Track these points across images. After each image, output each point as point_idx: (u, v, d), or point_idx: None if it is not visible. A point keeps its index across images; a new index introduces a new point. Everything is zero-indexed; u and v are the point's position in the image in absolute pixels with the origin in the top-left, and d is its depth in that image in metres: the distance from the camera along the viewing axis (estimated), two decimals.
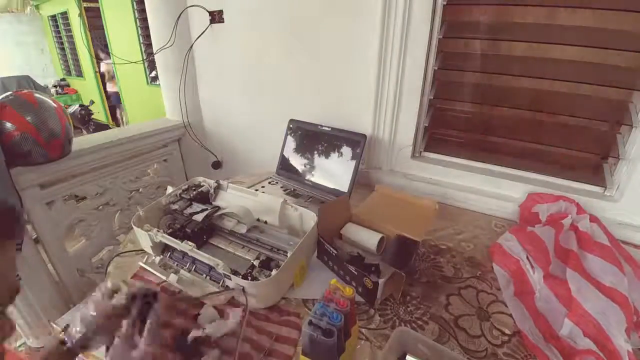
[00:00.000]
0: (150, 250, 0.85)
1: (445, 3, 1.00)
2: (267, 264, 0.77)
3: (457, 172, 1.16)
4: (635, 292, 0.73)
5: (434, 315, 0.69)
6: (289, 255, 0.72)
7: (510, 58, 1.02)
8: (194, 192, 0.98)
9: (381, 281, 0.68)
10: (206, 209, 0.91)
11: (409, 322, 0.68)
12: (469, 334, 0.66)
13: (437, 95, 1.12)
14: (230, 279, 0.69)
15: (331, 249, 0.77)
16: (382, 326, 0.67)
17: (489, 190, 1.12)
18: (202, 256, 0.74)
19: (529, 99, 1.03)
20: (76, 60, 5.12)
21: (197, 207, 0.94)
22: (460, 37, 1.06)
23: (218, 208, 0.91)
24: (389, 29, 1.06)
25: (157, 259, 0.84)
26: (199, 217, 0.88)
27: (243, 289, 0.68)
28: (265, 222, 0.88)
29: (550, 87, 1.00)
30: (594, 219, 0.92)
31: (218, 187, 0.98)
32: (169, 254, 0.85)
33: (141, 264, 0.83)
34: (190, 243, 0.77)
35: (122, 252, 0.91)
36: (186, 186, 1.00)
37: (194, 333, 0.62)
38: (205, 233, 0.89)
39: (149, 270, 0.82)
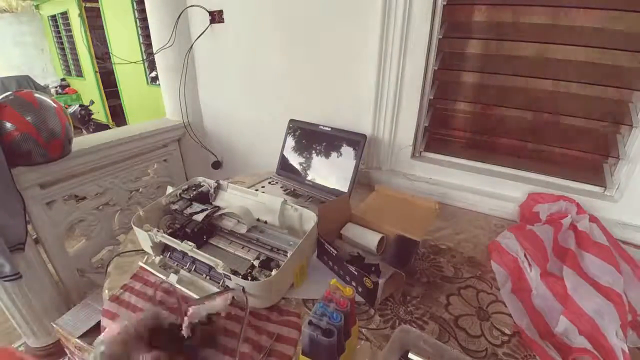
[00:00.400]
0: (150, 250, 0.85)
1: (445, 3, 1.00)
2: (267, 264, 0.77)
3: (457, 172, 1.16)
4: (633, 291, 0.73)
5: (434, 315, 0.69)
6: (289, 255, 0.71)
7: (510, 58, 1.02)
8: (194, 192, 0.98)
9: (381, 281, 0.68)
10: (206, 209, 0.91)
11: (409, 322, 0.67)
12: (469, 334, 0.65)
13: (437, 95, 1.12)
14: (230, 279, 0.69)
15: (331, 249, 0.77)
16: (382, 326, 0.67)
17: (489, 190, 1.12)
18: (202, 256, 0.74)
19: (529, 99, 1.03)
20: (76, 60, 5.11)
21: (197, 207, 0.94)
22: (460, 37, 1.06)
23: (218, 208, 0.91)
24: (388, 29, 1.06)
25: (157, 259, 0.83)
26: (198, 217, 0.88)
27: (243, 289, 0.68)
28: (265, 222, 0.88)
29: (550, 87, 1.00)
30: (593, 219, 0.91)
31: (218, 187, 0.98)
32: (169, 254, 0.85)
33: (141, 264, 0.83)
34: (190, 243, 0.77)
35: (122, 252, 0.91)
36: (186, 186, 1.00)
37: (191, 317, 0.61)
38: (205, 233, 0.89)
39: (149, 270, 0.82)
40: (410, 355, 0.56)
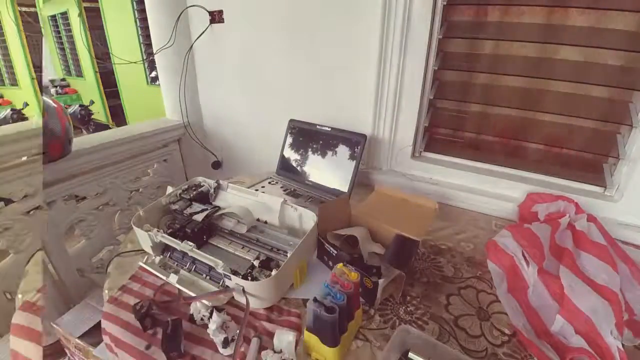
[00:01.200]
0: (150, 250, 0.85)
1: (445, 3, 1.00)
2: (267, 264, 0.77)
3: (457, 172, 1.16)
4: (629, 291, 0.73)
5: (434, 315, 0.69)
6: (289, 255, 0.71)
7: (510, 58, 1.02)
8: (194, 192, 0.98)
9: (381, 281, 0.68)
10: (206, 209, 0.91)
11: (409, 322, 0.67)
12: (469, 334, 0.65)
13: (437, 96, 1.12)
14: (230, 279, 0.69)
15: (331, 249, 0.78)
16: (382, 326, 0.67)
17: (489, 190, 1.12)
18: (202, 256, 0.74)
19: (529, 99, 1.03)
20: (76, 60, 5.09)
21: (197, 207, 0.94)
22: (460, 37, 1.06)
23: (218, 208, 0.92)
24: (389, 29, 1.06)
25: (157, 259, 0.83)
26: (199, 217, 0.88)
27: (243, 289, 0.68)
28: (265, 222, 0.88)
29: (550, 87, 1.00)
30: (591, 218, 0.92)
31: (218, 187, 0.98)
32: (169, 254, 0.85)
33: (141, 263, 0.82)
34: (190, 243, 0.77)
35: (122, 252, 0.91)
36: (186, 186, 1.00)
37: None
38: (205, 233, 0.89)
39: (148, 270, 0.81)
40: (410, 354, 0.56)
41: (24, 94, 4.81)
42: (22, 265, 1.23)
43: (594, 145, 1.00)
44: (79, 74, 5.22)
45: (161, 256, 0.84)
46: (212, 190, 0.98)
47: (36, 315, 0.58)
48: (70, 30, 4.82)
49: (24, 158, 1.22)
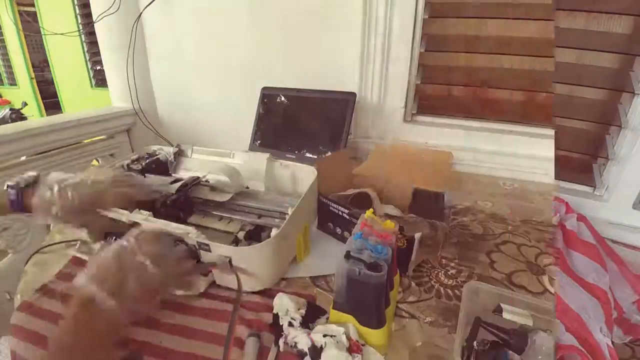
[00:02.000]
0: (86, 235, 0.65)
1: (426, 17, 1.01)
2: (256, 235, 0.61)
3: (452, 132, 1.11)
4: (618, 289, 0.75)
5: (482, 275, 0.60)
6: (289, 212, 0.56)
7: (495, 69, 1.04)
8: (147, 162, 0.81)
9: (417, 235, 0.54)
10: (181, 179, 0.72)
11: (455, 288, 0.56)
12: (530, 291, 0.57)
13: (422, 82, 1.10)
14: (209, 250, 0.51)
15: (340, 207, 0.63)
16: (425, 297, 0.54)
17: (491, 148, 1.08)
18: (164, 226, 0.55)
19: (517, 105, 1.05)
20: (9, 67, 4.63)
21: (155, 178, 0.76)
22: (441, 51, 1.07)
23: (198, 178, 0.72)
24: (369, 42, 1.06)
25: (97, 245, 0.64)
26: (172, 188, 0.68)
27: (230, 262, 0.50)
28: (247, 188, 0.73)
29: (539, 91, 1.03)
30: (581, 217, 0.91)
31: (179, 154, 0.82)
32: (114, 238, 0.63)
33: (74, 252, 0.65)
34: (143, 212, 0.58)
35: (46, 246, 0.71)
36: (136, 156, 0.82)
37: None
38: (181, 209, 0.68)
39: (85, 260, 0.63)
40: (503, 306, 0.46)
41: (22, 93, 4.46)
42: (22, 265, 1.06)
43: (583, 145, 1.02)
44: (12, 82, 4.73)
45: (102, 242, 0.66)
46: (171, 158, 0.82)
47: (35, 317, 0.55)
48: (1, 35, 4.39)
49: (23, 158, 1.23)
